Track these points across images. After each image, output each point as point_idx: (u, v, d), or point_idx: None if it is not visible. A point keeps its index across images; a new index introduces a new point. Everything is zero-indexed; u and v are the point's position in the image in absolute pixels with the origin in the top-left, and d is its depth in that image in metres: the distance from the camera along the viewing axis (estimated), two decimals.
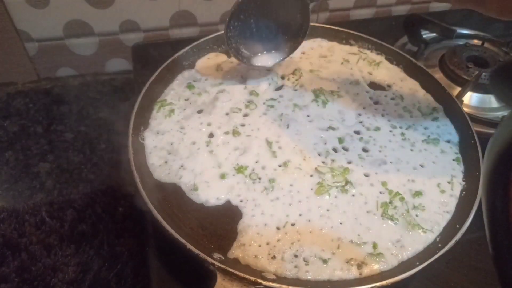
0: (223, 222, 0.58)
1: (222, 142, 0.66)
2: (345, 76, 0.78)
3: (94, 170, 0.81)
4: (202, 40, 0.80)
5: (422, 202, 0.60)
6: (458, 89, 0.81)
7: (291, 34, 0.74)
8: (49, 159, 0.82)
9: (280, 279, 0.51)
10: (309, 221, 0.57)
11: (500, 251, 0.39)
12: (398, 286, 0.51)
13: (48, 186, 0.78)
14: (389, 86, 0.78)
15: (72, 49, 0.92)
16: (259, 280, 0.49)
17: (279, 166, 0.63)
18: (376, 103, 0.74)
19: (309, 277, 0.52)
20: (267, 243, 0.55)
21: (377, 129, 0.69)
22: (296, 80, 0.76)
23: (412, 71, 0.80)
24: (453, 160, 0.66)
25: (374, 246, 0.55)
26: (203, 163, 0.63)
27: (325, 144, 0.66)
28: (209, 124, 0.68)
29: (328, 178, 0.62)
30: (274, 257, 0.53)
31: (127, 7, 0.89)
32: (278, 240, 0.55)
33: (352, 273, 0.52)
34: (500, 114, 0.80)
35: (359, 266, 0.53)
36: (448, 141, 0.69)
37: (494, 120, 0.76)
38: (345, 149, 0.66)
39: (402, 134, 0.69)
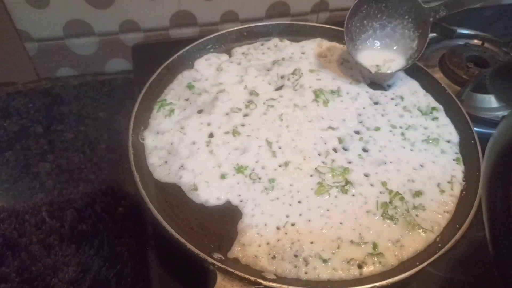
0: (223, 222, 0.58)
1: (222, 142, 0.66)
2: (345, 76, 0.78)
3: (94, 170, 0.80)
4: (202, 40, 0.80)
5: (422, 202, 0.60)
6: (458, 89, 0.81)
7: (404, 51, 0.77)
8: (49, 159, 0.82)
9: (280, 279, 0.51)
10: (309, 221, 0.57)
11: (500, 251, 0.39)
12: (398, 286, 0.51)
13: (48, 186, 0.78)
14: (389, 86, 0.78)
15: (72, 49, 0.92)
16: (259, 280, 0.49)
17: (279, 166, 0.63)
18: (376, 103, 0.74)
19: (309, 277, 0.52)
20: (267, 243, 0.55)
21: (377, 129, 0.69)
22: (296, 80, 0.76)
23: (412, 71, 0.80)
24: (453, 160, 0.66)
25: (374, 246, 0.55)
26: (203, 163, 0.63)
27: (325, 144, 0.66)
28: (209, 124, 0.68)
29: (328, 178, 0.61)
30: (274, 257, 0.53)
31: (127, 7, 0.89)
32: (278, 240, 0.55)
33: (352, 273, 0.52)
34: (500, 114, 0.80)
35: (359, 266, 0.53)
36: (448, 141, 0.69)
37: (494, 120, 0.76)
38: (345, 149, 0.66)
39: (402, 134, 0.69)
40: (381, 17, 0.77)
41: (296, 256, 0.53)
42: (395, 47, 0.78)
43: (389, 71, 0.75)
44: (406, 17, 0.76)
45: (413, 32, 0.76)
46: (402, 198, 0.60)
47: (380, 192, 0.61)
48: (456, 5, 0.73)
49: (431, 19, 0.73)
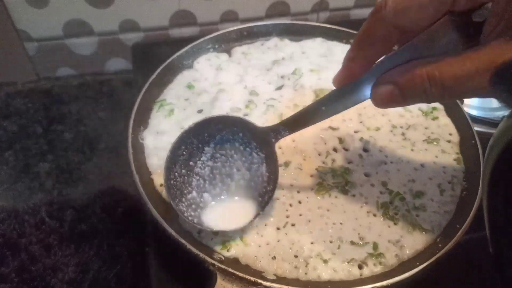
0: None
1: None
2: None
3: (94, 170, 0.80)
4: (202, 39, 0.80)
5: (422, 202, 0.60)
6: None
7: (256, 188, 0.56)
8: (49, 159, 0.82)
9: (280, 280, 0.51)
10: (309, 221, 0.57)
11: (500, 251, 0.39)
12: (398, 286, 0.51)
13: (47, 186, 0.78)
14: None
15: (72, 49, 0.92)
16: (259, 280, 0.49)
17: (279, 166, 0.63)
18: None
19: (309, 277, 0.52)
20: (267, 244, 0.54)
21: (378, 128, 0.69)
22: (296, 80, 0.76)
23: None
24: (454, 160, 0.66)
25: (375, 246, 0.55)
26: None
27: (325, 144, 0.66)
28: None
29: (329, 178, 0.61)
30: (274, 258, 0.53)
31: (127, 6, 0.89)
32: (278, 241, 0.55)
33: (353, 273, 0.52)
34: (500, 114, 0.80)
35: (360, 266, 0.53)
36: (449, 141, 0.69)
37: (494, 120, 0.76)
38: (345, 149, 0.66)
39: (403, 134, 0.69)
40: (211, 157, 0.56)
41: (296, 256, 0.53)
42: (242, 191, 0.57)
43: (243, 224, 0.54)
44: (243, 149, 0.56)
45: (258, 164, 0.56)
46: (402, 198, 0.60)
47: (381, 192, 0.61)
48: (297, 125, 0.53)
49: (273, 140, 0.54)
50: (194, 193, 0.55)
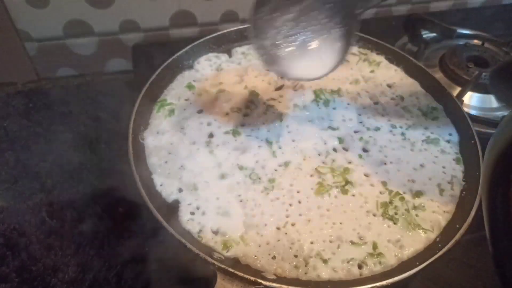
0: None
1: (222, 142, 0.66)
2: (345, 76, 0.78)
3: (94, 170, 0.81)
4: (202, 40, 0.80)
5: (422, 202, 0.60)
6: (458, 89, 0.81)
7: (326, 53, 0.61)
8: (49, 159, 0.82)
9: (280, 279, 0.51)
10: (309, 221, 0.57)
11: (500, 251, 0.39)
12: (398, 286, 0.51)
13: (48, 186, 0.78)
14: (389, 86, 0.78)
15: (72, 49, 0.92)
16: (259, 280, 0.49)
17: (279, 166, 0.63)
18: (376, 103, 0.74)
19: (309, 277, 0.52)
20: (267, 243, 0.55)
21: (377, 129, 0.69)
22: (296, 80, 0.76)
23: (412, 71, 0.80)
24: (453, 160, 0.66)
25: (374, 246, 0.55)
26: (203, 163, 0.63)
27: (325, 144, 0.66)
28: (209, 124, 0.68)
29: (328, 178, 0.61)
30: (274, 257, 0.53)
31: (127, 7, 0.89)
32: (278, 240, 0.55)
33: (352, 273, 0.52)
34: (500, 114, 0.80)
35: (359, 266, 0.53)
36: (448, 141, 0.69)
37: (494, 120, 0.76)
38: (345, 149, 0.66)
39: (402, 134, 0.69)
40: (295, 10, 0.60)
41: (296, 256, 0.53)
42: (313, 48, 0.61)
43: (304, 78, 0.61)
44: (327, 11, 0.60)
45: (338, 30, 0.60)
46: (402, 198, 0.60)
47: (380, 192, 0.61)
48: None
49: (359, 10, 0.57)
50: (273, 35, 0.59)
